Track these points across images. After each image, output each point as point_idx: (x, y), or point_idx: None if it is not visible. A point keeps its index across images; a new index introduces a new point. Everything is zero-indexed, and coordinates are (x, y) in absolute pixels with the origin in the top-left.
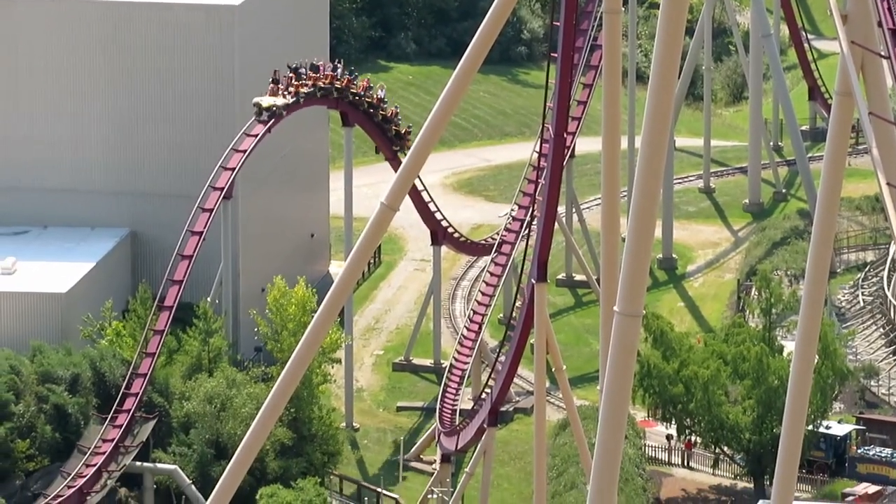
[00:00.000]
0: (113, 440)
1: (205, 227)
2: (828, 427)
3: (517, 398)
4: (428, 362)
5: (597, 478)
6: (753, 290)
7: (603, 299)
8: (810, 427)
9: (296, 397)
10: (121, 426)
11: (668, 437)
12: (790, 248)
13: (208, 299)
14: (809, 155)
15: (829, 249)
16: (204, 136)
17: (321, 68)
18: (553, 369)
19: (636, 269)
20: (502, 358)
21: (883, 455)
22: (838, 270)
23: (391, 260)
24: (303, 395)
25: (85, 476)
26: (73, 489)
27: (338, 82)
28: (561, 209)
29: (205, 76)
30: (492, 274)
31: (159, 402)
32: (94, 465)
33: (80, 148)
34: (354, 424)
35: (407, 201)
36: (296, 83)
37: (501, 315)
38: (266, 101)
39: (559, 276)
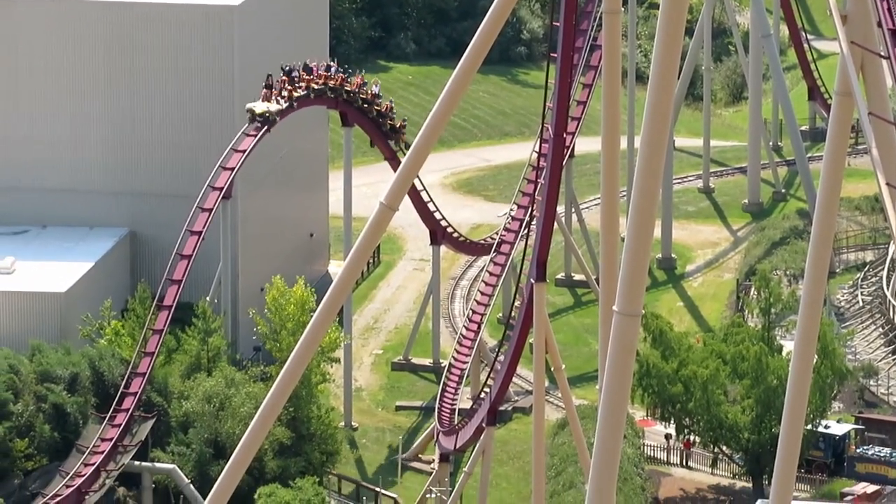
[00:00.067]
0: (111, 439)
1: (204, 227)
2: (827, 426)
3: (516, 397)
4: (427, 362)
5: (595, 477)
6: (752, 289)
7: (602, 299)
8: (809, 426)
9: (294, 397)
10: (119, 425)
11: (667, 437)
12: (789, 248)
13: (207, 299)
14: (809, 155)
15: (828, 249)
16: (203, 136)
17: (315, 69)
18: (552, 369)
19: (635, 268)
20: (501, 357)
21: (882, 454)
22: (837, 270)
23: (390, 259)
24: (301, 394)
25: (83, 475)
26: (71, 488)
27: (331, 81)
28: (560, 209)
29: (204, 76)
30: (491, 273)
31: (158, 401)
32: (93, 465)
33: (80, 148)
34: (353, 424)
35: (406, 201)
36: (289, 87)
37: (500, 314)
38: (259, 107)
39: (558, 276)
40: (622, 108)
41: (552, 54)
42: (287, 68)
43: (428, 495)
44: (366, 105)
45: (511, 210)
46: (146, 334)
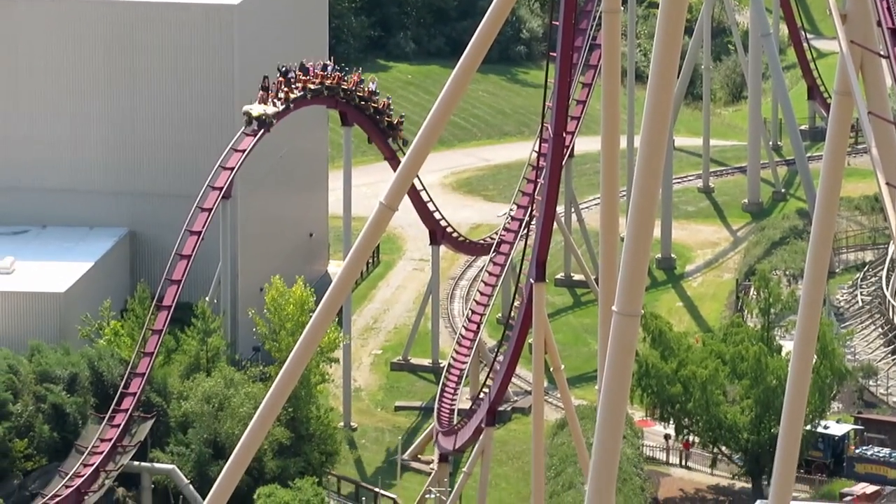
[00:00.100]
0: (111, 440)
1: (203, 227)
2: (826, 427)
3: (515, 398)
4: (426, 362)
5: (595, 477)
6: (752, 289)
7: (601, 299)
8: (808, 427)
9: (294, 397)
10: (119, 426)
11: (667, 437)
12: (789, 248)
13: (206, 299)
14: (808, 154)
15: (828, 249)
16: (203, 135)
17: (311, 69)
18: (551, 369)
19: (635, 268)
20: (500, 357)
21: (881, 455)
22: (837, 270)
23: (390, 259)
24: (301, 394)
25: (83, 476)
26: (70, 489)
27: (328, 81)
28: (560, 209)
29: (204, 76)
30: (490, 273)
31: (157, 401)
32: (92, 465)
33: (80, 148)
34: (352, 424)
35: (406, 201)
36: (285, 89)
37: (500, 315)
38: (256, 110)
39: (558, 276)
40: (622, 108)
41: (552, 53)
42: (283, 69)
43: (427, 496)
44: (363, 102)
45: (511, 210)
46: (145, 334)
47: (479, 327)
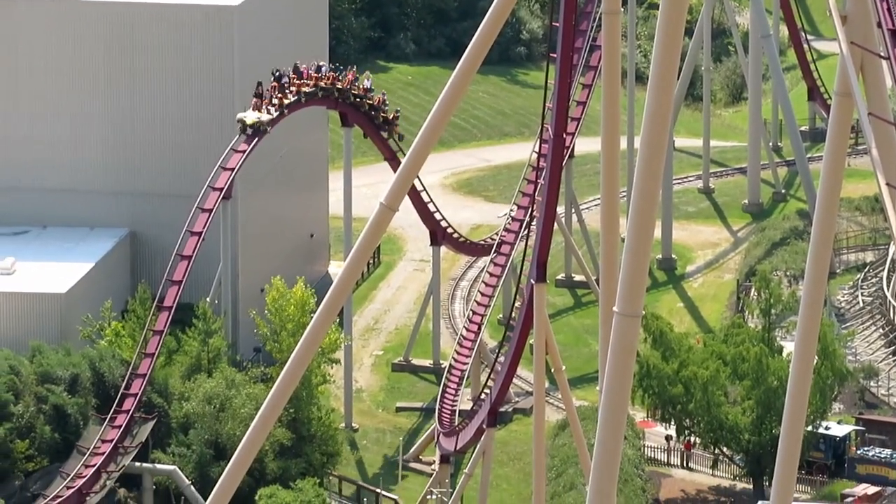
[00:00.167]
0: (112, 441)
1: (204, 228)
2: (827, 428)
3: (516, 399)
4: (427, 363)
5: (596, 478)
6: (753, 290)
7: (602, 300)
8: (809, 428)
9: (295, 398)
10: (120, 427)
11: (668, 438)
12: (789, 249)
13: (207, 299)
14: (809, 155)
15: (828, 250)
16: (203, 136)
17: (305, 71)
18: (552, 370)
19: (635, 269)
20: (501, 358)
21: (882, 456)
22: (838, 271)
23: (390, 260)
24: (302, 395)
25: (84, 476)
26: (72, 490)
27: (322, 82)
28: (560, 209)
29: (204, 76)
30: (491, 274)
31: (158, 402)
32: (94, 466)
33: (80, 148)
34: (353, 425)
35: (406, 201)
36: (279, 95)
37: (501, 315)
38: (250, 117)
39: (558, 277)
40: (622, 109)
41: (552, 54)
42: (277, 74)
43: (428, 496)
44: (358, 99)
45: (511, 210)
46: (146, 335)
47: (479, 328)
